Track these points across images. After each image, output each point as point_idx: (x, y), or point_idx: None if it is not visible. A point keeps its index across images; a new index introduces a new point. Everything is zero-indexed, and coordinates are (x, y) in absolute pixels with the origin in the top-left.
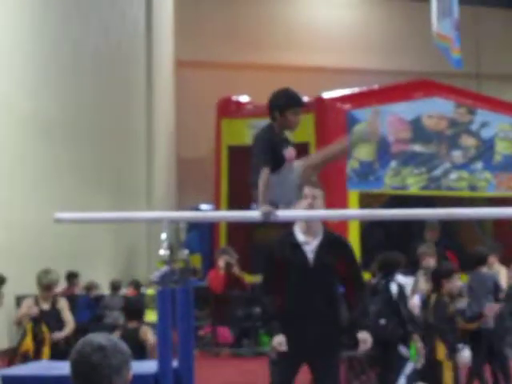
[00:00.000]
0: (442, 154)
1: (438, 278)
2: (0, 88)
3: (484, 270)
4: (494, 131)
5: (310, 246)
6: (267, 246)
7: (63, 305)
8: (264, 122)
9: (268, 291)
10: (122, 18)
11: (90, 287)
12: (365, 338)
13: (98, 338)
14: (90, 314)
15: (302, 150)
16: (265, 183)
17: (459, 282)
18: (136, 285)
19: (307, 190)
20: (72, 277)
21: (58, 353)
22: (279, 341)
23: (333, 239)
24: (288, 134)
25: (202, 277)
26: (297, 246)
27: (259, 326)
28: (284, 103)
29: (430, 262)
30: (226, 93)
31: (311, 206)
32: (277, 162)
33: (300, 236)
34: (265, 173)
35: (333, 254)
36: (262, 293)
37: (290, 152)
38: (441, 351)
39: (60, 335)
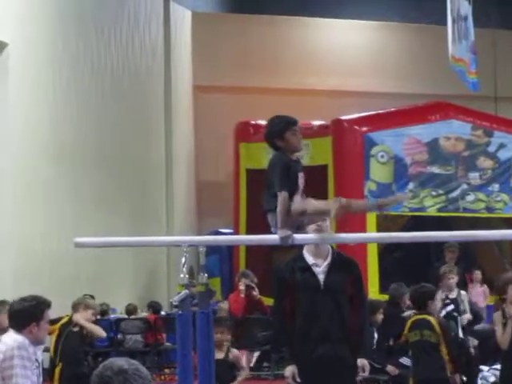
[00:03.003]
0: (460, 176)
1: None
2: (21, 115)
3: None
4: (511, 153)
5: (320, 267)
6: (277, 269)
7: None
8: None
9: (280, 315)
10: (141, 44)
11: (103, 311)
12: (363, 364)
13: (119, 361)
14: (110, 338)
15: (321, 172)
16: (285, 207)
17: None
18: (154, 308)
19: None
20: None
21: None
22: (291, 372)
23: (342, 260)
24: (299, 157)
25: (222, 300)
26: (307, 269)
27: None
28: (280, 128)
29: (452, 281)
30: (243, 117)
31: (320, 228)
32: (293, 183)
33: (309, 258)
34: (283, 197)
35: (342, 274)
36: (274, 317)
37: (301, 178)
38: None
39: (79, 318)
